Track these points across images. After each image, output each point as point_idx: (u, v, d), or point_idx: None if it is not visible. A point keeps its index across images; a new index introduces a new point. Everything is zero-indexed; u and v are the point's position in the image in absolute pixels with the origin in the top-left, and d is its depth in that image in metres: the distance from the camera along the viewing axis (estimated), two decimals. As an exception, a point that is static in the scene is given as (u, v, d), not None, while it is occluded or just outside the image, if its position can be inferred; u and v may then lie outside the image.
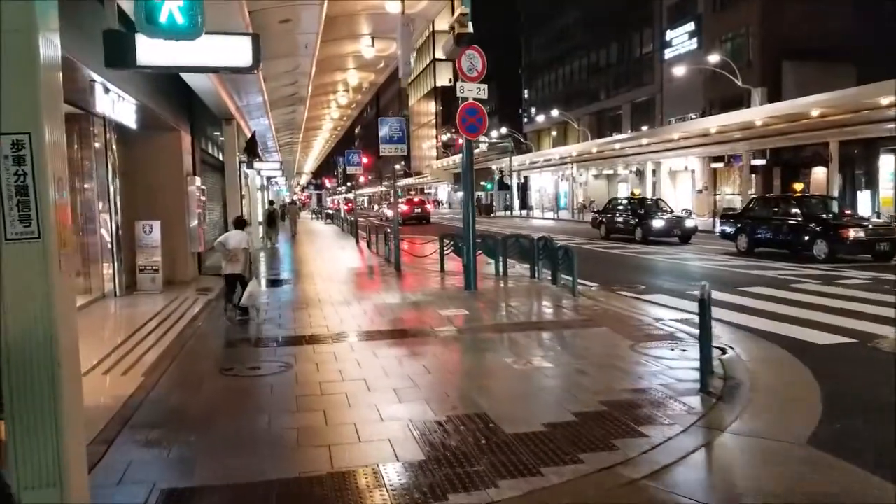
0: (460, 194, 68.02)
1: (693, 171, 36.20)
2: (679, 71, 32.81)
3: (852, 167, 28.14)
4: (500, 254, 13.52)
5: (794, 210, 16.81)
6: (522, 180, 57.29)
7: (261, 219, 32.70)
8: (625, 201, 23.96)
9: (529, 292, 11.59)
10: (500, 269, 13.48)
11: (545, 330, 8.52)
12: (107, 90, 8.89)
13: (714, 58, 31.22)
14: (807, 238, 16.00)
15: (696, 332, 8.25)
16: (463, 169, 11.64)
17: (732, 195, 34.28)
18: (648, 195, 37.98)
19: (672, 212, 23.31)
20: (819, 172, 29.48)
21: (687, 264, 16.07)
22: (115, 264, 11.63)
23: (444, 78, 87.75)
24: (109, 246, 11.63)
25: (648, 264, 16.35)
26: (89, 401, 4.86)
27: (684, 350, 7.16)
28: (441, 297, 11.34)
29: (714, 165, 33.89)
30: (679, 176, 38.39)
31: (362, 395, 5.83)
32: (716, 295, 11.34)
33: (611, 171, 45.85)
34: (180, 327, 9.07)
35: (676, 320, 8.98)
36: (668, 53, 39.67)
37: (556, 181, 54.83)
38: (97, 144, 11.31)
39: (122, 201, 12.12)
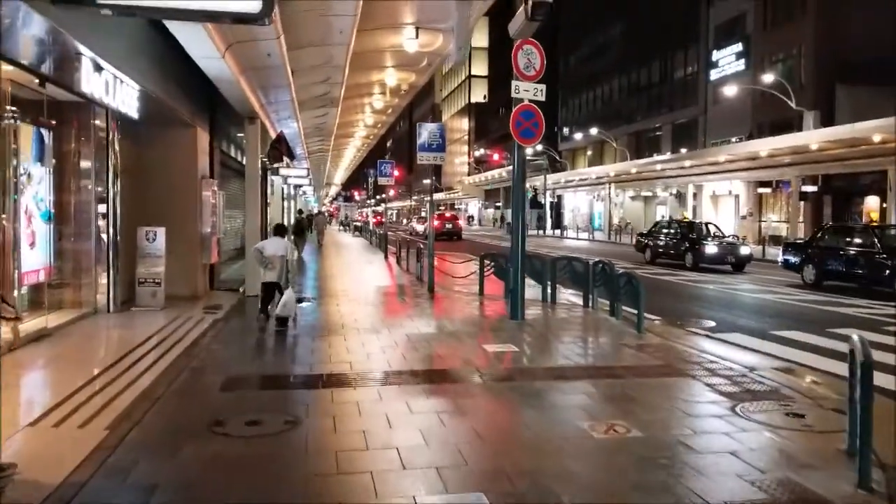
0: (490, 211, 66.65)
1: (737, 196, 34.22)
2: (728, 91, 31.00)
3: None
4: (548, 278, 11.87)
5: (872, 241, 14.95)
6: (555, 199, 55.57)
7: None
8: (674, 225, 22.15)
9: (586, 325, 9.91)
10: (549, 296, 11.84)
11: (617, 377, 6.84)
12: (98, 68, 7.49)
13: (763, 79, 29.42)
14: (887, 273, 14.15)
15: (803, 385, 6.80)
16: (514, 180, 10.06)
17: (778, 222, 32.30)
18: (690, 218, 36.14)
19: (725, 237, 21.46)
20: (872, 202, 27.47)
21: (752, 297, 14.24)
22: (111, 275, 10.21)
23: (478, 94, 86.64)
24: (105, 254, 10.22)
25: (708, 295, 14.57)
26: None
27: (801, 415, 5.50)
28: (483, 328, 9.72)
29: (761, 191, 31.91)
30: (721, 200, 36.43)
31: (394, 476, 4.23)
32: (803, 337, 9.67)
33: (649, 193, 44.00)
34: (173, 356, 7.55)
35: (776, 369, 7.32)
36: (714, 74, 37.79)
37: (590, 201, 53.06)
38: (97, 138, 9.94)
39: (125, 204, 10.72)
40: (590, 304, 11.13)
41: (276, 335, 8.87)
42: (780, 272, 18.79)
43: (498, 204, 73.54)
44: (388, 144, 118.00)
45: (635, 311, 9.56)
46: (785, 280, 17.11)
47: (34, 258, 8.09)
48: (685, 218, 28.67)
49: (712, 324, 10.47)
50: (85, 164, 9.92)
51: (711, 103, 38.13)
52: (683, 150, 39.71)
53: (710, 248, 19.45)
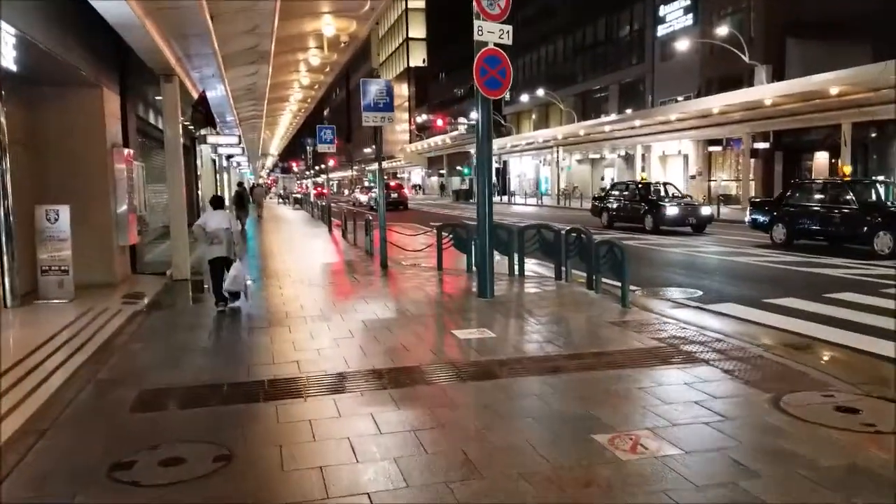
0: (434, 179, 65.27)
1: (686, 156, 33.84)
2: (680, 46, 30.26)
3: (865, 152, 26.06)
4: (514, 249, 10.73)
5: (847, 197, 14.38)
6: (501, 165, 54.56)
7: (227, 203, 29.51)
8: (631, 186, 21.33)
9: (563, 301, 8.82)
10: (516, 269, 10.72)
11: (618, 366, 5.76)
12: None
13: (715, 33, 28.76)
14: (865, 230, 13.61)
15: (833, 367, 5.96)
16: (479, 139, 8.80)
17: (728, 181, 32.07)
18: (638, 180, 35.67)
19: (684, 198, 20.79)
20: (821, 158, 27.37)
21: (726, 260, 13.47)
22: (4, 263, 8.54)
23: (417, 58, 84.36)
24: (-4, 239, 8.53)
25: (678, 260, 13.73)
26: None
27: (855, 411, 4.55)
28: (450, 309, 8.52)
29: (711, 149, 31.54)
30: (670, 160, 36.03)
31: (371, 547, 3.02)
32: (802, 305, 8.69)
33: (597, 156, 43.40)
34: (77, 363, 6.10)
35: (792, 347, 6.43)
36: (661, 30, 37.04)
37: (536, 166, 52.26)
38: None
39: (18, 179, 9.01)
40: (563, 277, 10.07)
41: (209, 328, 7.49)
42: (742, 232, 18.27)
43: (441, 171, 72.17)
44: (325, 113, 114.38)
45: (614, 283, 8.56)
46: (751, 241, 16.48)
47: None
48: (643, 179, 27.96)
49: (699, 293, 9.55)
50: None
51: (658, 61, 37.44)
52: (629, 111, 39.06)
53: (671, 210, 18.70)
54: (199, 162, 24.86)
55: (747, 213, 17.21)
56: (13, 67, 7.43)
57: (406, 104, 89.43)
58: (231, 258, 8.67)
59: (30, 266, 9.20)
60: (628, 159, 39.55)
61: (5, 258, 8.55)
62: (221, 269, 8.63)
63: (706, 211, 19.36)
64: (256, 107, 25.01)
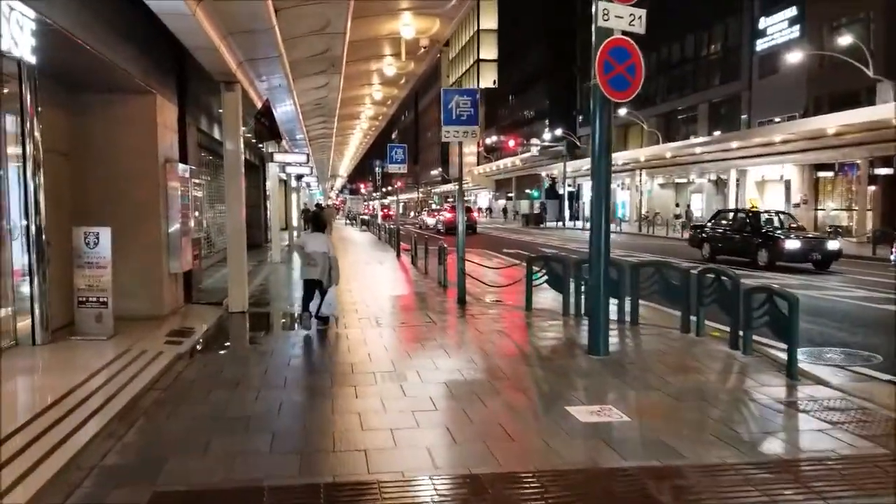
0: (502, 202, 63.63)
1: (788, 182, 31.02)
2: (785, 61, 27.64)
3: None
4: (627, 291, 8.90)
5: None
6: (575, 189, 52.45)
7: (295, 223, 28.65)
8: (739, 215, 19.03)
9: (703, 364, 6.92)
10: (627, 316, 8.88)
11: (843, 488, 3.91)
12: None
13: (830, 45, 26.09)
14: None
15: None
16: (595, 154, 7.07)
17: (839, 210, 29.06)
18: (731, 205, 33.07)
19: (802, 229, 18.38)
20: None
21: (884, 309, 11.05)
22: (35, 292, 7.32)
23: (487, 80, 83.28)
24: (23, 265, 7.33)
25: (821, 307, 11.17)
26: None
27: None
28: (554, 369, 6.76)
29: (819, 175, 28.70)
30: (769, 186, 33.19)
31: None
32: None
33: (683, 180, 40.78)
34: (85, 437, 4.66)
35: None
36: (761, 45, 34.37)
37: (614, 190, 49.89)
38: (4, 104, 7.05)
39: (54, 196, 7.85)
40: (690, 328, 8.17)
41: (257, 385, 5.99)
42: (876, 270, 15.81)
43: (510, 194, 70.50)
44: (394, 136, 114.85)
45: (761, 340, 6.65)
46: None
47: None
48: (753, 207, 25.45)
49: (877, 357, 7.43)
50: (-11, 140, 7.04)
51: (757, 78, 34.74)
52: (717, 133, 36.49)
53: (792, 243, 16.34)
54: (267, 182, 24.02)
55: (894, 249, 14.77)
56: (52, 70, 6.22)
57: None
58: (325, 283, 8.64)
59: (66, 296, 8.00)
60: (719, 184, 36.87)
61: (35, 285, 7.33)
62: (313, 290, 8.70)
63: (833, 245, 16.82)
64: (326, 124, 23.97)
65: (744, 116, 36.01)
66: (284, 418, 5.18)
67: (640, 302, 9.06)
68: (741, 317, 7.03)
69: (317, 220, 9.72)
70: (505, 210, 70.84)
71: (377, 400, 5.63)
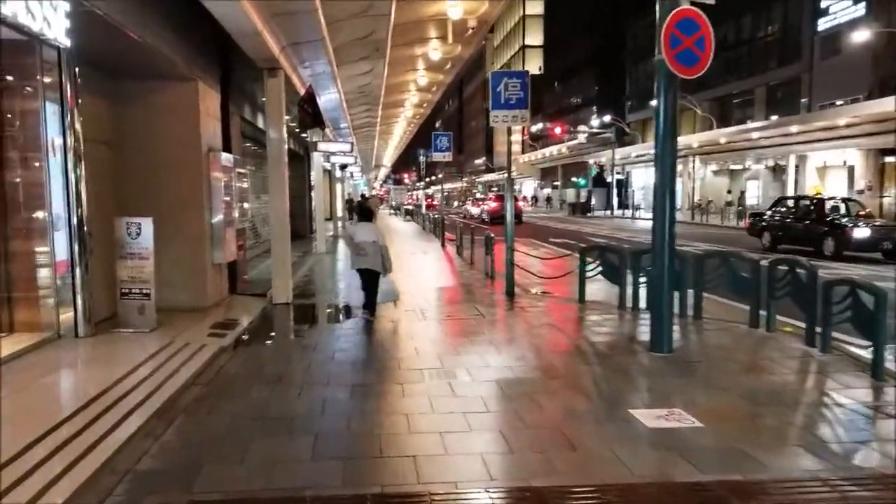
0: (547, 191, 62.60)
1: (852, 167, 29.54)
2: (849, 41, 26.18)
3: None
4: (689, 283, 8.34)
5: None
6: (624, 176, 51.23)
7: (339, 213, 28.57)
8: (803, 202, 18.07)
9: (776, 363, 6.37)
10: (691, 309, 8.33)
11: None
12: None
13: (890, 26, 24.67)
14: None
15: None
16: (658, 135, 6.58)
17: (906, 197, 27.53)
18: (790, 193, 31.75)
19: (873, 217, 17.34)
20: None
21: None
22: (78, 283, 7.20)
23: (533, 66, 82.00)
24: (66, 257, 7.22)
25: None
26: None
27: None
28: (614, 367, 6.31)
29: (887, 160, 27.21)
30: (831, 172, 31.70)
31: None
32: None
33: (738, 166, 39.32)
34: (129, 430, 4.46)
35: None
36: (823, 24, 32.75)
37: (663, 178, 48.56)
38: (49, 95, 6.91)
39: (97, 187, 7.73)
40: (759, 323, 7.61)
41: (299, 381, 5.72)
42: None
43: (556, 183, 69.44)
44: (437, 125, 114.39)
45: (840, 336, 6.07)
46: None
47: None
48: (818, 193, 24.28)
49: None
50: (31, 131, 6.93)
51: (818, 59, 33.14)
52: (774, 118, 34.97)
53: (861, 232, 15.41)
54: (312, 172, 23.91)
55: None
56: (92, 57, 6.05)
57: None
58: (379, 271, 8.57)
59: (109, 287, 7.89)
60: (776, 170, 35.44)
61: (77, 275, 7.20)
62: (368, 279, 8.63)
63: (906, 233, 15.80)
64: (370, 112, 23.68)
65: (804, 100, 34.42)
66: (328, 419, 4.87)
67: (703, 295, 8.51)
68: (819, 312, 6.44)
69: (364, 209, 9.60)
70: (549, 199, 69.80)
71: (425, 399, 5.29)
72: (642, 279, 8.88)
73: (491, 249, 12.92)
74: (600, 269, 9.58)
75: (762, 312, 7.67)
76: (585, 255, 9.88)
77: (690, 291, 8.41)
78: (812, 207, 17.33)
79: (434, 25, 14.82)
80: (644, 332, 7.58)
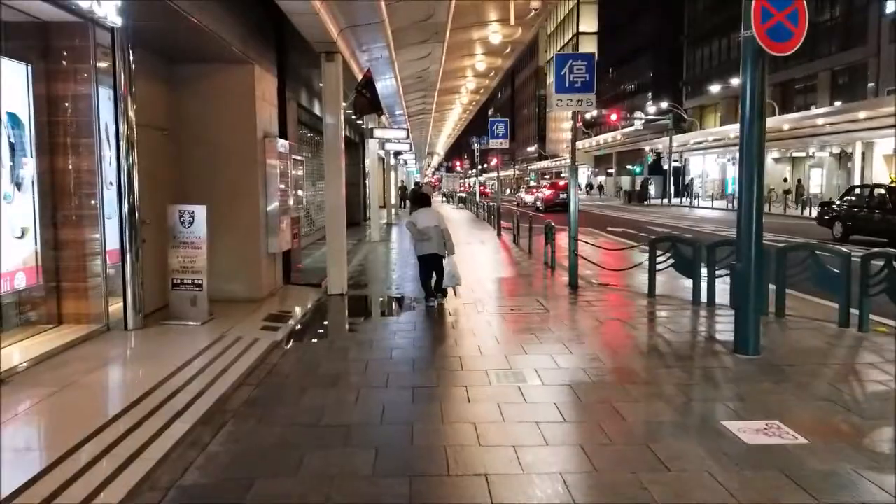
0: (601, 178, 61.32)
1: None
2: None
3: None
4: (769, 278, 7.67)
5: None
6: (682, 163, 49.65)
7: (393, 200, 28.33)
8: (878, 191, 16.92)
9: (878, 368, 5.73)
10: (773, 306, 7.67)
11: None
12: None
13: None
14: None
15: None
16: (745, 118, 5.99)
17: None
18: (857, 182, 30.12)
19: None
20: None
21: None
22: (128, 273, 6.99)
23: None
24: (117, 246, 7.02)
25: None
26: None
27: None
28: (696, 372, 5.75)
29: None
30: (899, 160, 29.98)
31: None
32: None
33: (801, 154, 37.59)
34: (175, 436, 4.16)
35: None
36: (893, 6, 30.89)
37: (723, 165, 46.89)
38: (103, 79, 6.70)
39: (151, 173, 7.53)
40: (849, 322, 6.93)
41: (357, 383, 5.35)
42: None
43: (610, 170, 67.97)
44: (490, 113, 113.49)
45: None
46: None
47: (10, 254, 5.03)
48: (893, 181, 22.90)
49: None
50: (84, 116, 6.73)
51: (887, 42, 31.30)
52: (838, 103, 33.20)
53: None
54: (366, 160, 23.68)
55: None
56: (147, 40, 5.78)
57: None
58: (443, 255, 8.76)
59: (161, 278, 7.69)
60: (842, 158, 33.70)
61: (128, 265, 6.99)
62: (431, 266, 8.82)
63: None
64: (426, 99, 23.26)
65: (870, 85, 32.56)
66: (388, 428, 4.48)
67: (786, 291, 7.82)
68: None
69: (423, 196, 9.67)
70: (601, 187, 68.37)
71: (493, 406, 4.84)
72: (719, 273, 8.25)
73: (552, 239, 12.39)
74: (671, 261, 8.94)
75: (853, 311, 6.99)
76: (656, 246, 9.26)
77: (772, 287, 7.74)
78: (888, 196, 16.20)
79: (495, 7, 14.24)
80: (723, 331, 7.01)
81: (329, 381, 5.53)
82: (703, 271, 8.58)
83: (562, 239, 12.66)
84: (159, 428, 4.37)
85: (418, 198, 9.57)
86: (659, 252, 9.19)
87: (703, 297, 8.42)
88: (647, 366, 5.87)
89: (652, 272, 9.11)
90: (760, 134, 5.95)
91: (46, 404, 4.81)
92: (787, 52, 5.58)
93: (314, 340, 7.21)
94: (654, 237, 10.04)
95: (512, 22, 14.23)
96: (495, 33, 15.83)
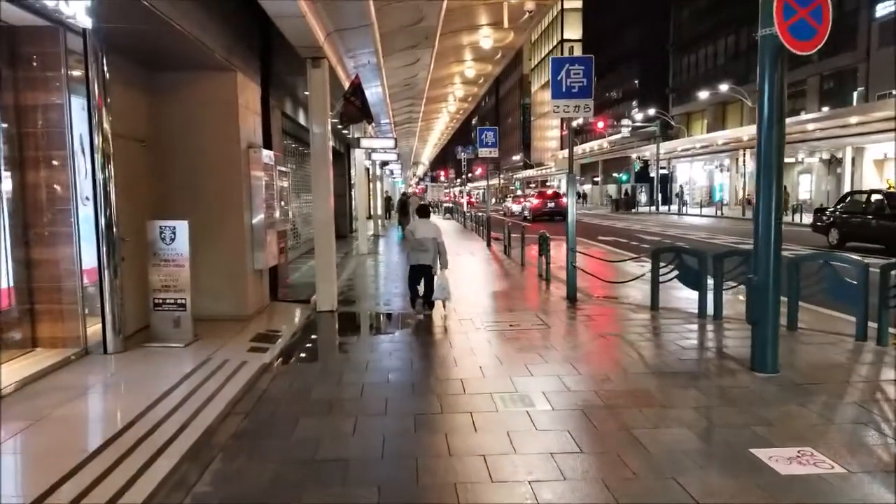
0: (587, 186, 61.26)
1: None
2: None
3: None
4: (780, 290, 7.37)
5: None
6: (671, 171, 49.68)
7: (378, 211, 27.95)
8: (875, 197, 16.78)
9: (901, 384, 5.44)
10: (784, 319, 7.36)
11: None
12: None
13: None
14: None
15: None
16: (762, 123, 5.68)
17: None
18: (847, 188, 30.19)
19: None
20: None
21: None
22: (106, 293, 6.56)
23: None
24: (95, 264, 6.59)
25: None
26: None
27: None
28: (713, 392, 5.40)
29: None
30: (889, 165, 30.02)
31: None
32: None
33: (791, 159, 37.61)
34: (152, 483, 3.73)
35: None
36: (882, 9, 30.99)
37: (710, 172, 46.96)
38: (75, 87, 6.29)
39: (130, 187, 7.11)
40: (867, 335, 6.64)
41: (354, 410, 4.96)
42: None
43: (596, 179, 68.01)
44: (474, 122, 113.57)
45: None
46: None
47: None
48: (891, 186, 22.83)
49: None
50: (55, 126, 6.31)
51: (875, 47, 31.44)
52: (826, 109, 33.30)
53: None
54: (352, 170, 23.29)
55: None
56: (124, 46, 5.37)
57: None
58: (434, 267, 8.91)
59: (143, 297, 7.25)
60: (830, 164, 33.77)
61: (106, 284, 6.55)
62: (420, 276, 8.96)
63: None
64: (413, 108, 22.94)
65: (859, 89, 32.68)
66: (390, 462, 4.09)
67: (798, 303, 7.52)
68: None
69: (423, 208, 9.77)
70: (585, 195, 68.33)
71: (502, 435, 4.47)
72: (727, 285, 7.97)
73: (546, 250, 12.07)
74: (677, 273, 8.63)
75: (871, 324, 6.71)
76: (658, 256, 8.95)
77: (783, 299, 7.44)
78: (886, 202, 16.04)
79: (487, 11, 13.95)
80: (735, 346, 6.70)
81: (323, 408, 5.13)
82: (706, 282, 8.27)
83: (555, 250, 12.36)
84: (140, 466, 3.96)
85: (407, 208, 9.54)
86: (662, 263, 8.87)
87: (710, 310, 8.11)
88: (660, 386, 5.52)
89: (655, 284, 8.80)
90: (780, 139, 5.65)
91: (15, 443, 4.38)
92: (810, 50, 5.29)
93: (305, 362, 6.82)
94: (656, 248, 9.71)
95: (506, 25, 13.95)
96: (486, 38, 15.54)
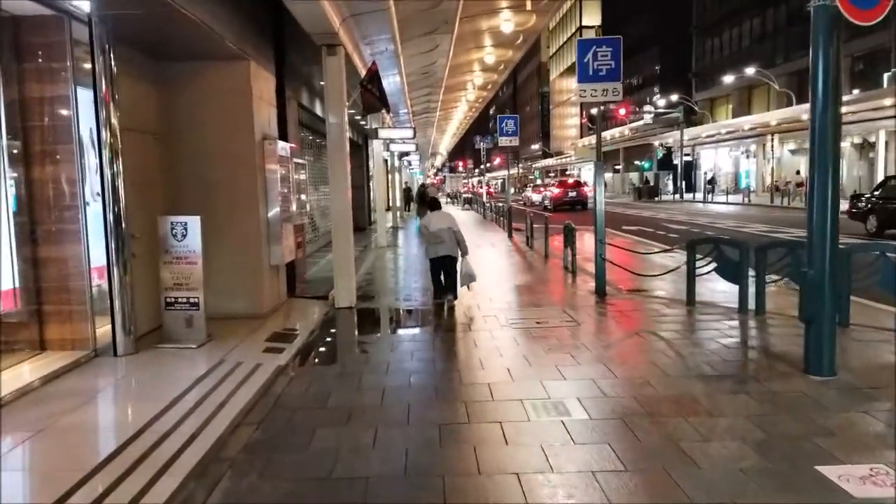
0: (609, 175, 60.33)
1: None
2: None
3: None
4: (833, 282, 6.88)
5: None
6: (695, 158, 48.73)
7: (397, 203, 27.62)
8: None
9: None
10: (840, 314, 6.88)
11: None
12: None
13: None
14: None
15: None
16: (816, 104, 5.19)
17: None
18: (879, 173, 29.33)
19: None
20: None
21: None
22: (116, 296, 6.26)
23: (590, 48, 79.29)
24: (104, 262, 6.29)
25: None
26: None
27: None
28: (763, 397, 4.95)
29: None
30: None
31: None
32: None
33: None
34: (159, 499, 3.42)
35: None
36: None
37: (736, 158, 45.95)
38: (81, 79, 5.99)
39: (141, 182, 6.81)
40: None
41: (375, 418, 4.60)
42: None
43: (617, 167, 67.04)
44: (492, 111, 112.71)
45: None
46: None
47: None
48: None
49: None
50: (62, 119, 6.01)
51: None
52: (856, 92, 32.25)
53: None
54: (370, 161, 22.94)
55: None
56: (133, 36, 5.04)
57: (576, 98, 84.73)
58: (456, 256, 8.86)
59: (153, 296, 6.96)
60: (862, 148, 32.77)
61: (116, 284, 6.26)
62: (441, 267, 8.90)
63: None
64: (431, 97, 22.50)
65: (893, 70, 31.56)
66: (414, 480, 3.72)
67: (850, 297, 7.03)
68: None
69: (434, 200, 9.79)
70: (605, 184, 67.31)
71: (536, 449, 4.08)
72: (770, 278, 7.49)
73: (572, 241, 11.63)
74: (715, 265, 8.16)
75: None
76: (694, 248, 8.48)
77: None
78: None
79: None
80: (783, 345, 6.24)
81: (341, 416, 4.78)
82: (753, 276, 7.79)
83: (579, 241, 11.91)
84: (143, 486, 3.63)
85: (426, 199, 9.38)
86: (699, 255, 8.40)
87: (752, 305, 7.64)
88: (706, 391, 5.09)
89: (691, 277, 8.33)
90: (836, 120, 5.16)
91: (14, 456, 4.09)
92: (872, 20, 4.81)
93: (323, 364, 6.50)
94: (691, 239, 9.23)
95: (528, 7, 13.41)
96: (507, 21, 14.99)
